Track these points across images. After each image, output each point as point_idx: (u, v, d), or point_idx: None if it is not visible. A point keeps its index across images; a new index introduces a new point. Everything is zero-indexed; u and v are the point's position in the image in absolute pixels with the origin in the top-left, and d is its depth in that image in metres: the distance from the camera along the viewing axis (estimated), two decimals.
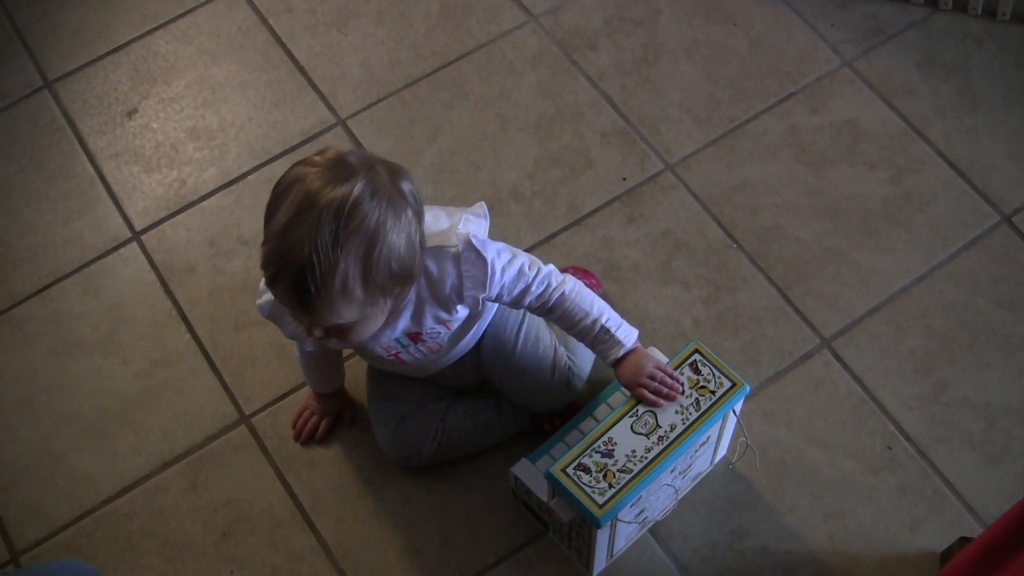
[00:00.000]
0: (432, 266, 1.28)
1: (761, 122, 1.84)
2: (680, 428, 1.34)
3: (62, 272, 1.76)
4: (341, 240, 1.13)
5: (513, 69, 1.91)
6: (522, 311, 1.50)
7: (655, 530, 1.51)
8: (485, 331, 1.47)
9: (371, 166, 1.18)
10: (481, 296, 1.31)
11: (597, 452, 1.33)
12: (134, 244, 1.78)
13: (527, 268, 1.34)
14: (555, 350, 1.51)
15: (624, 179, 1.80)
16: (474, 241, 1.29)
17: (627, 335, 1.38)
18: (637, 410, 1.35)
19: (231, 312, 1.71)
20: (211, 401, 1.64)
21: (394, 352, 1.39)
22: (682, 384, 1.37)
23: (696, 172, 1.80)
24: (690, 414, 1.35)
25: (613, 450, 1.33)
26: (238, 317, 1.70)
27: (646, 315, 1.66)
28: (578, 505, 1.31)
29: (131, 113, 1.91)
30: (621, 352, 1.37)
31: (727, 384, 1.37)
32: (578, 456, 1.32)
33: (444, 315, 1.33)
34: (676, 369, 1.37)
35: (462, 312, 1.36)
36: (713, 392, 1.36)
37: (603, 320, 1.37)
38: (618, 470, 1.32)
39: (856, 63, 1.89)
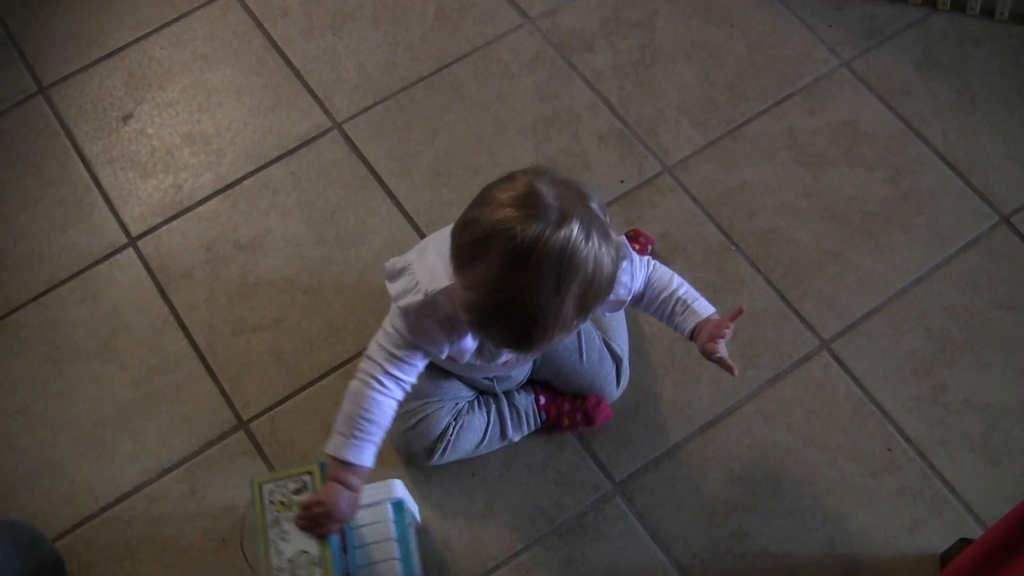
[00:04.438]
0: None
1: (759, 124, 1.83)
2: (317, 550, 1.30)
3: (58, 279, 1.75)
4: (563, 290, 1.11)
5: (510, 72, 1.90)
6: None
7: (655, 533, 1.51)
8: None
9: (568, 198, 1.12)
10: (627, 298, 1.33)
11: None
12: (130, 250, 1.78)
13: (634, 259, 1.36)
14: (602, 339, 1.55)
15: (622, 181, 1.79)
16: (627, 244, 1.27)
17: (704, 308, 1.37)
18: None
19: (228, 317, 1.70)
20: (209, 407, 1.64)
21: (509, 356, 1.39)
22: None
23: (694, 174, 1.79)
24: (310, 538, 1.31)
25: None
26: (235, 322, 1.70)
27: (644, 318, 1.65)
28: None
29: (126, 118, 1.90)
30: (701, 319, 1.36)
31: (304, 481, 1.33)
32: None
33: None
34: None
35: None
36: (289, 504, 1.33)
37: (681, 292, 1.37)
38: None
39: (854, 64, 1.88)
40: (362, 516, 1.40)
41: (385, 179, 1.81)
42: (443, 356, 1.34)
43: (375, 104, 1.89)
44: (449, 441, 1.50)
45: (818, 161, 1.79)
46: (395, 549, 1.41)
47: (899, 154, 1.79)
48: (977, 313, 1.65)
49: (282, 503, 1.33)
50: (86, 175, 1.85)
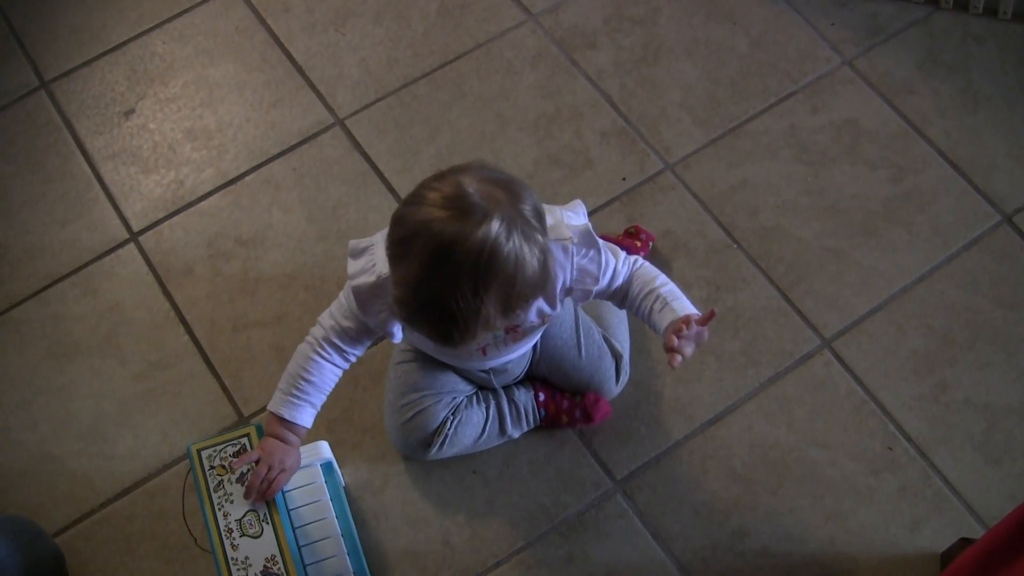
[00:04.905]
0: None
1: (761, 121, 1.83)
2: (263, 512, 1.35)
3: (60, 274, 1.75)
4: (482, 291, 1.12)
5: (512, 69, 1.90)
6: (572, 307, 1.53)
7: (655, 531, 1.51)
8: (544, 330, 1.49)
9: (494, 198, 1.13)
10: (594, 288, 1.32)
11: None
12: (132, 245, 1.78)
13: (618, 254, 1.36)
14: (601, 335, 1.54)
15: (624, 179, 1.79)
16: (592, 233, 1.28)
17: (683, 307, 1.33)
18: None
19: (229, 313, 1.70)
20: (210, 403, 1.63)
21: (483, 344, 1.39)
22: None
23: (696, 172, 1.79)
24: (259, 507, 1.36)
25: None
26: (236, 318, 1.70)
27: None
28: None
29: (128, 113, 1.90)
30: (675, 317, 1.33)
31: (242, 443, 1.39)
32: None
33: (548, 310, 1.31)
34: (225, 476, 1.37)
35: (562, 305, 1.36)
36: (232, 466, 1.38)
37: (663, 290, 1.35)
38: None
39: (857, 62, 1.88)
40: (293, 480, 1.44)
41: (387, 175, 1.81)
42: (396, 340, 1.36)
43: (377, 100, 1.89)
44: (447, 435, 1.50)
45: (820, 159, 1.79)
46: (331, 508, 1.45)
47: (901, 152, 1.79)
48: (979, 312, 1.65)
49: (222, 467, 1.37)
50: (87, 170, 1.85)
